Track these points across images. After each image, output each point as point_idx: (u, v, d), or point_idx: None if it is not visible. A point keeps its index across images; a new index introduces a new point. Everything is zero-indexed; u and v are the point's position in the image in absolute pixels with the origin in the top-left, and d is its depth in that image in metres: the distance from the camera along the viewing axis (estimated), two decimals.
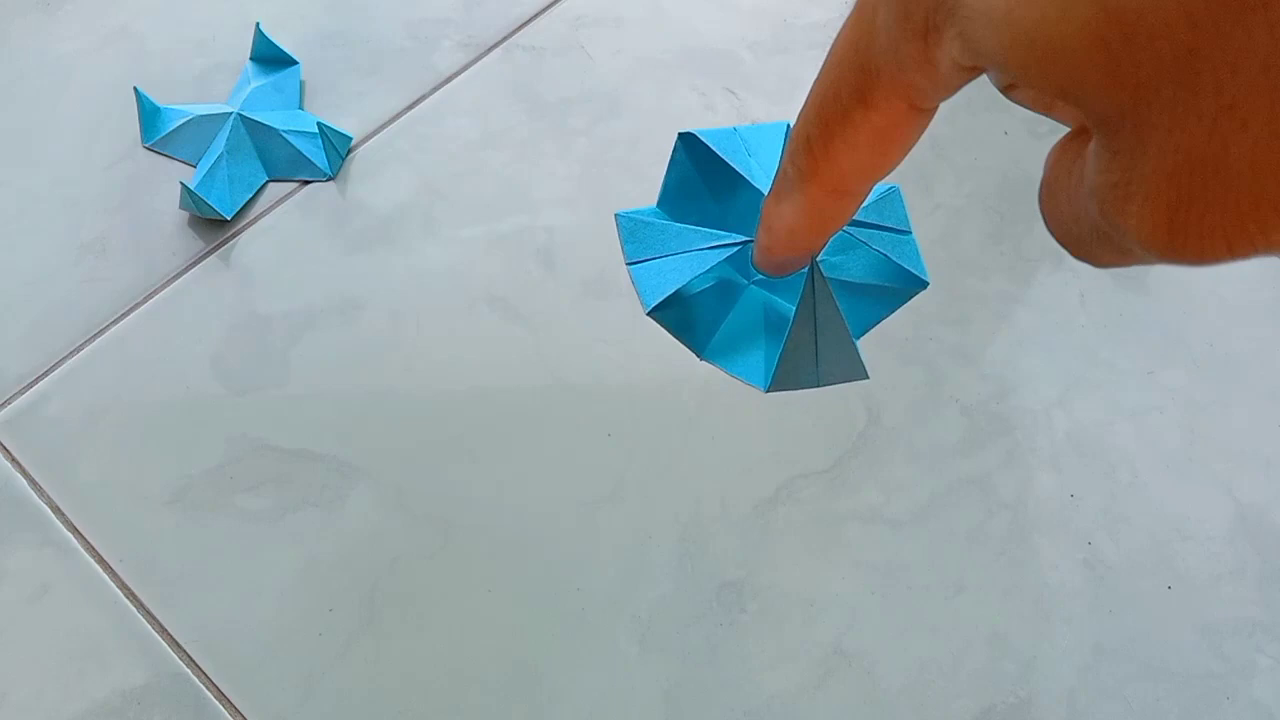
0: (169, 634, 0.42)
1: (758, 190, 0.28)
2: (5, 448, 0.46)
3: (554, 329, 0.49)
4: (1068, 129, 0.19)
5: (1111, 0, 0.14)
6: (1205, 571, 0.44)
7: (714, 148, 0.29)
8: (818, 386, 0.29)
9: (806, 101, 0.21)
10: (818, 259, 0.26)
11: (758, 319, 0.29)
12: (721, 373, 0.28)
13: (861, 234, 0.29)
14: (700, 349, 0.29)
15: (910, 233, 0.30)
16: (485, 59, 0.57)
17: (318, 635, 0.42)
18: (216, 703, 0.41)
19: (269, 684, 0.41)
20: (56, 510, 0.44)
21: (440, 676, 0.41)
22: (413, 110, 0.55)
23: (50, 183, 0.52)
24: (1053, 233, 0.18)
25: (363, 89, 0.55)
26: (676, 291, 0.28)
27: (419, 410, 0.47)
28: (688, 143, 0.30)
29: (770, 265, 0.26)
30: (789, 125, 0.28)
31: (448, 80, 0.56)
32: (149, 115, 0.53)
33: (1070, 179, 0.17)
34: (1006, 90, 0.21)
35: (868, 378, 0.28)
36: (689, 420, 0.46)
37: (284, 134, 0.52)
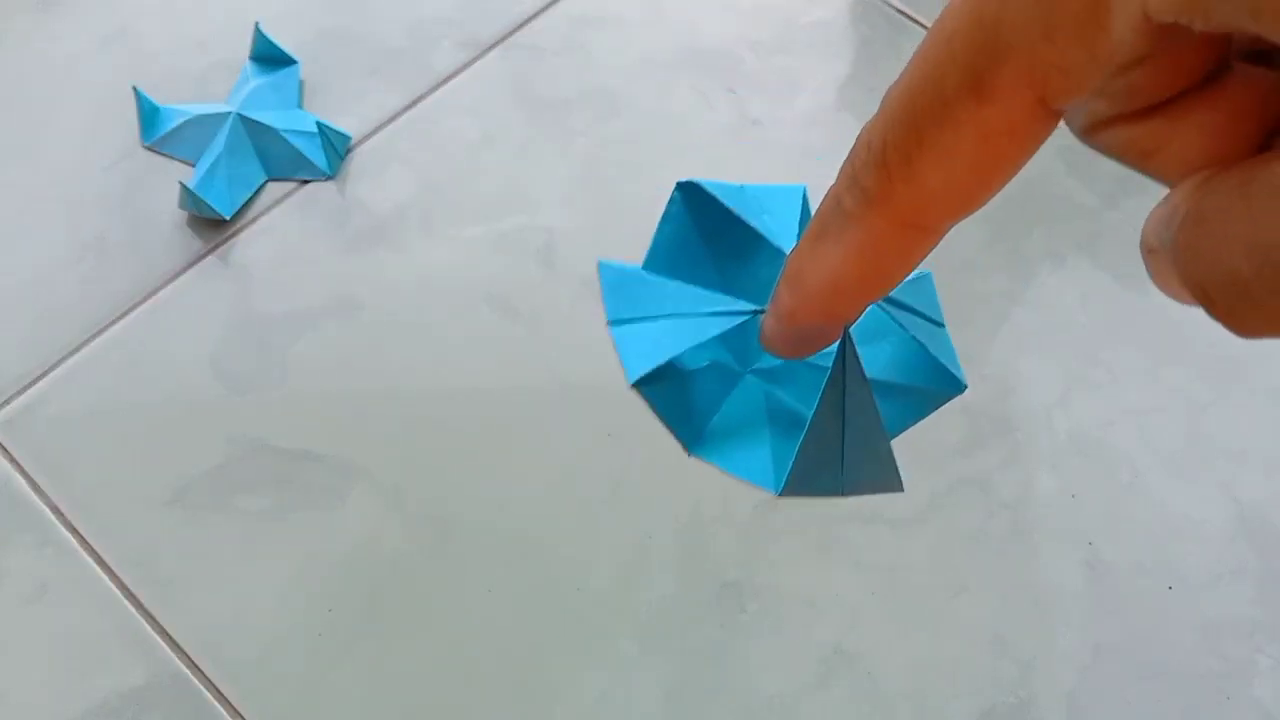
0: (168, 634, 0.42)
1: (775, 250, 0.22)
2: (4, 448, 0.46)
3: (554, 329, 0.49)
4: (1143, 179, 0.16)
5: None
6: (1206, 571, 0.44)
7: (722, 200, 0.23)
8: (841, 494, 0.22)
9: (887, 98, 0.16)
10: (849, 340, 0.20)
11: (758, 411, 0.24)
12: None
13: (897, 314, 0.23)
14: (690, 441, 0.23)
15: (944, 325, 0.24)
16: (485, 58, 0.57)
17: (318, 635, 0.42)
18: (216, 703, 0.41)
19: (269, 684, 0.41)
20: (56, 510, 0.44)
21: (440, 676, 0.41)
22: (412, 110, 0.55)
23: (49, 182, 0.52)
24: (1193, 283, 0.14)
25: (362, 88, 0.55)
26: (669, 363, 0.23)
27: (419, 410, 0.47)
28: (688, 194, 0.24)
29: (786, 341, 0.20)
30: (805, 189, 0.23)
31: (447, 80, 0.56)
32: (148, 115, 0.53)
33: (1248, 201, 0.13)
34: (1121, 120, 0.16)
35: (903, 490, 0.22)
36: None
37: (283, 133, 0.52)
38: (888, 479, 0.22)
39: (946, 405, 0.47)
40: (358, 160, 0.53)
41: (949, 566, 0.44)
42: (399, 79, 0.56)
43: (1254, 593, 0.44)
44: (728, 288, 0.23)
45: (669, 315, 0.23)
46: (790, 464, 0.21)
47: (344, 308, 0.49)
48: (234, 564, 0.43)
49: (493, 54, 0.57)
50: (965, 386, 0.23)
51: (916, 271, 0.21)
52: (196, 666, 0.41)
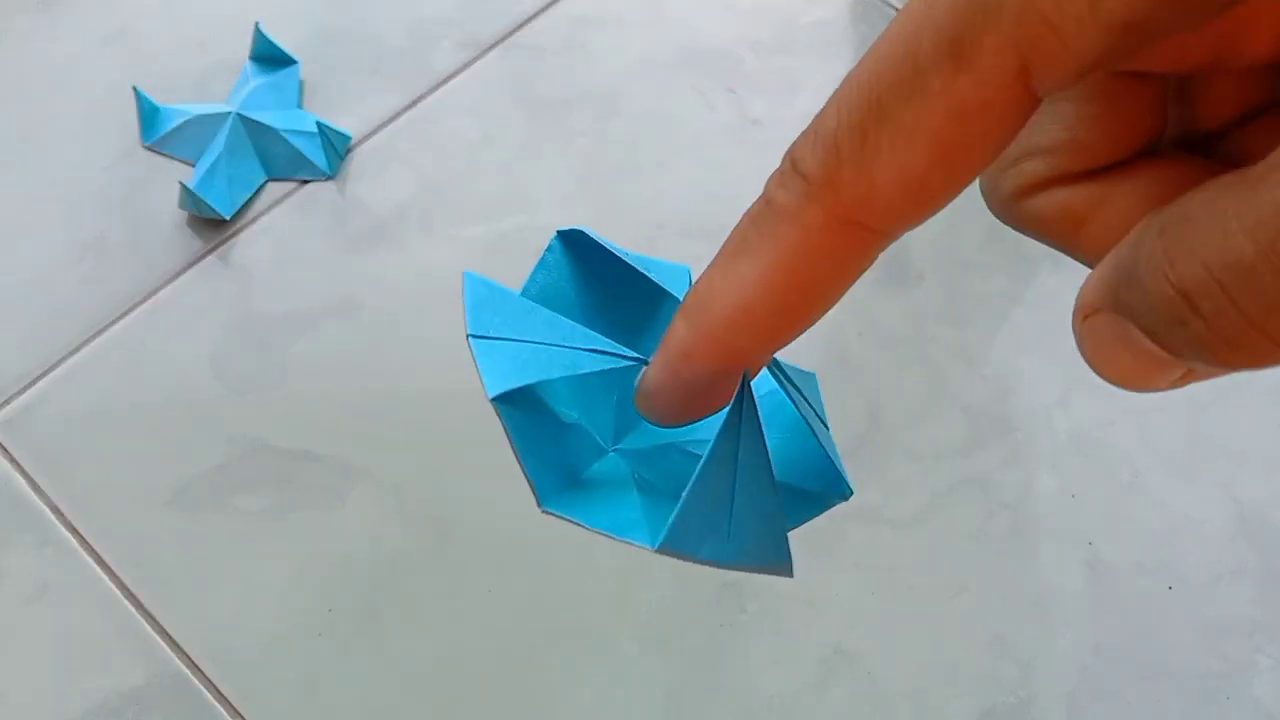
0: (168, 634, 0.42)
1: (672, 299, 0.19)
2: (4, 448, 0.46)
3: None
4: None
5: None
6: (1205, 571, 0.44)
7: (610, 249, 0.20)
8: (720, 565, 0.18)
9: (846, 78, 0.14)
10: (748, 386, 0.17)
11: (626, 482, 0.20)
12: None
13: (794, 395, 0.19)
14: (545, 494, 0.19)
15: (829, 428, 0.20)
16: (485, 58, 0.57)
17: (317, 635, 0.42)
18: (215, 703, 0.41)
19: (268, 684, 0.41)
20: (56, 510, 0.44)
21: (440, 677, 0.41)
22: (412, 110, 0.55)
23: (49, 182, 0.52)
24: (1174, 295, 0.12)
25: (362, 88, 0.55)
26: (535, 395, 0.20)
27: (419, 410, 0.47)
28: (569, 242, 0.21)
29: (671, 395, 0.17)
30: (690, 269, 0.20)
31: (447, 79, 0.56)
32: (148, 115, 0.53)
33: (1247, 184, 0.12)
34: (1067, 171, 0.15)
35: (792, 575, 0.19)
36: None
37: (283, 133, 0.52)
38: (778, 559, 0.19)
39: (947, 406, 0.47)
40: (358, 160, 0.53)
41: (949, 566, 0.44)
42: (399, 79, 0.56)
43: (1254, 593, 0.44)
44: (609, 333, 0.20)
45: (540, 343, 0.20)
46: (671, 519, 0.17)
47: (344, 308, 0.49)
48: (234, 564, 0.43)
49: (493, 54, 0.57)
50: (852, 492, 0.19)
51: (802, 370, 0.20)
52: (196, 666, 0.41)
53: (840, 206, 0.14)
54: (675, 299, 0.19)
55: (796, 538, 0.44)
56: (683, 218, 0.52)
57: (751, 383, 0.17)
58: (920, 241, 0.51)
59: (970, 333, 0.49)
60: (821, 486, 0.20)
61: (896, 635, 0.43)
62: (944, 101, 0.13)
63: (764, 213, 0.15)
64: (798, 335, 0.15)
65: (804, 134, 0.14)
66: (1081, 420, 0.47)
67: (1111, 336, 0.14)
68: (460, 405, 0.47)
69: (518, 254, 0.51)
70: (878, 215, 0.14)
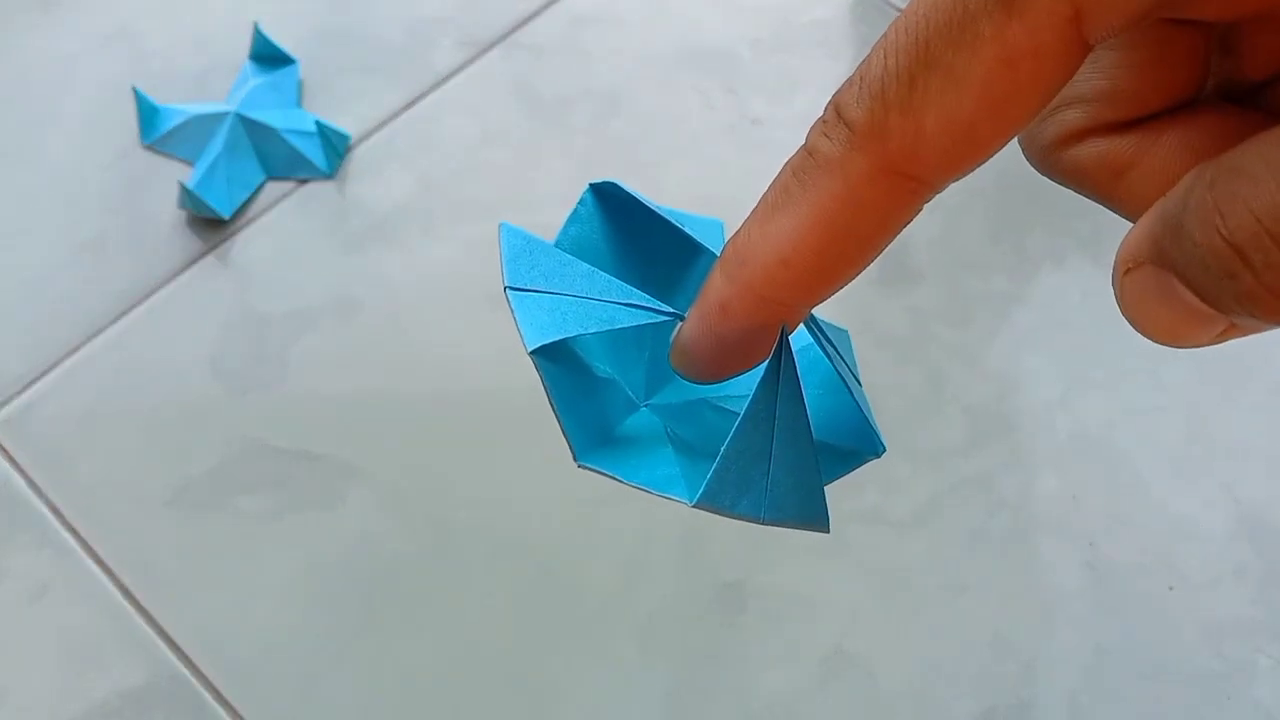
0: (168, 635, 0.42)
1: (709, 254, 0.19)
2: (4, 448, 0.45)
3: None
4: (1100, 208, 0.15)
5: None
6: (1206, 572, 0.44)
7: (644, 201, 0.20)
8: (760, 521, 0.18)
9: (892, 24, 0.14)
10: (786, 342, 0.17)
11: (660, 438, 0.20)
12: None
13: (832, 355, 0.19)
14: (582, 448, 0.19)
15: (862, 385, 0.21)
16: (484, 58, 0.57)
17: (318, 635, 0.42)
18: (215, 704, 0.41)
19: (268, 684, 0.41)
20: (55, 511, 0.44)
21: (440, 677, 0.41)
22: (412, 109, 0.55)
23: (48, 182, 0.52)
24: (1224, 244, 0.12)
25: (361, 88, 0.55)
26: (572, 349, 0.19)
27: (419, 410, 0.47)
28: (602, 195, 0.20)
29: (708, 349, 0.16)
30: (724, 224, 0.20)
31: (447, 79, 0.56)
32: (147, 114, 0.53)
33: None
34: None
35: (829, 530, 0.19)
36: None
37: (282, 133, 0.52)
38: (815, 515, 0.18)
39: (948, 406, 0.47)
40: (357, 160, 0.53)
41: (949, 566, 0.44)
42: (398, 78, 0.56)
43: (1254, 593, 0.44)
44: (643, 286, 0.20)
45: (577, 296, 0.19)
46: (709, 475, 0.17)
47: (343, 307, 0.49)
48: (234, 564, 0.43)
49: (492, 53, 0.57)
50: (884, 449, 0.20)
51: (836, 326, 0.20)
52: (196, 667, 0.41)
53: (886, 156, 0.14)
54: (711, 253, 0.18)
55: (799, 536, 0.44)
56: None
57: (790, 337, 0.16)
58: (920, 241, 0.51)
59: (970, 333, 0.49)
60: (855, 444, 0.20)
61: (897, 635, 0.43)
62: (995, 48, 0.13)
63: (806, 163, 0.14)
64: (839, 289, 0.15)
65: (848, 81, 0.14)
66: (1082, 420, 0.47)
67: (1154, 291, 0.13)
68: (460, 405, 0.47)
69: None
70: (925, 165, 0.14)
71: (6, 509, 0.44)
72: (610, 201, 0.20)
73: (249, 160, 0.52)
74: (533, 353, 0.18)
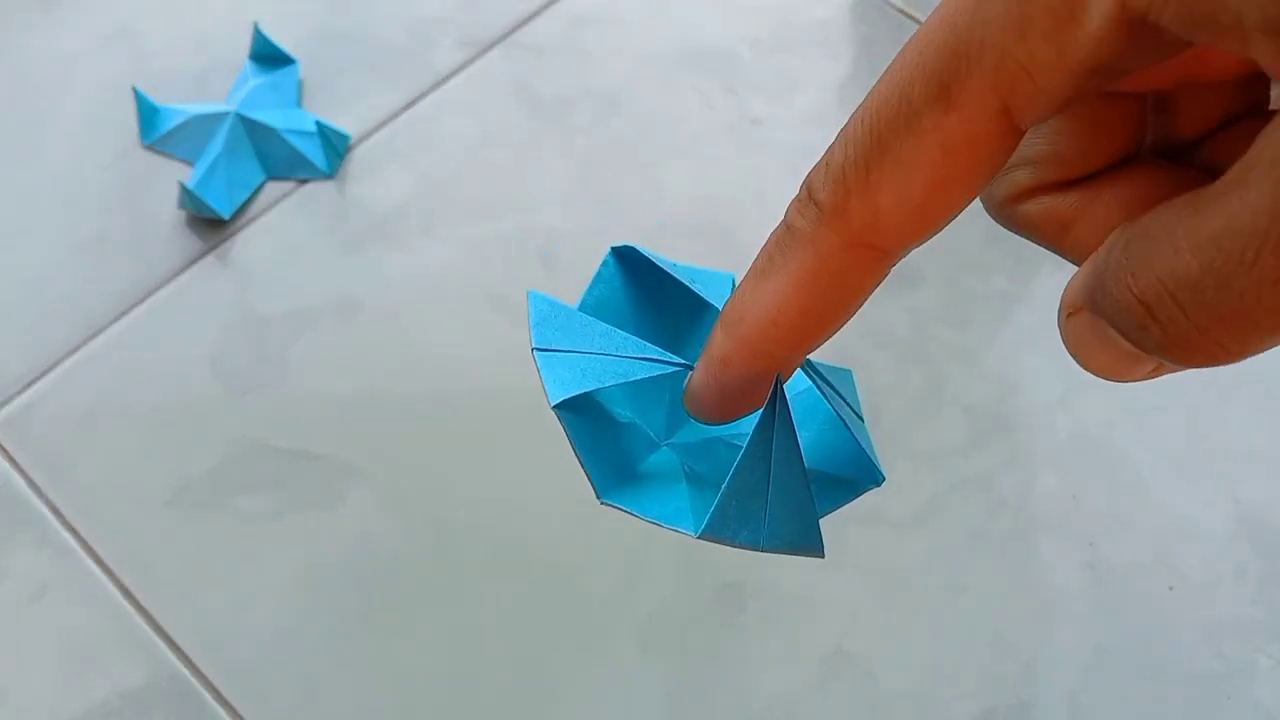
0: (168, 634, 0.42)
1: (715, 311, 0.21)
2: (4, 448, 0.45)
3: None
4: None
5: None
6: (1206, 572, 0.44)
7: (658, 263, 0.22)
8: (758, 548, 0.21)
9: (850, 118, 0.16)
10: (780, 388, 0.19)
11: (676, 474, 0.23)
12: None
13: (827, 393, 0.22)
14: (605, 487, 0.23)
15: (864, 420, 0.23)
16: (484, 58, 0.57)
17: (318, 635, 0.42)
18: (215, 703, 0.41)
19: (268, 684, 0.41)
20: (55, 510, 0.44)
21: (440, 676, 0.41)
22: (412, 109, 0.55)
23: (48, 182, 0.52)
24: (1134, 302, 0.14)
25: (361, 88, 0.55)
26: (593, 400, 0.22)
27: (419, 410, 0.47)
28: (622, 257, 0.24)
29: (714, 396, 0.19)
30: (735, 276, 0.22)
31: (447, 79, 0.56)
32: (147, 114, 0.53)
33: (1195, 208, 0.13)
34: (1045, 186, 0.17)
35: (823, 556, 0.22)
36: None
37: (282, 133, 0.52)
38: (810, 542, 0.22)
39: (948, 406, 0.47)
40: (357, 160, 0.53)
41: (949, 566, 0.44)
42: (398, 78, 0.56)
43: (1254, 593, 0.44)
44: (659, 340, 0.23)
45: (597, 353, 0.23)
46: (711, 509, 0.20)
47: (343, 308, 0.49)
48: (234, 564, 0.43)
49: (493, 53, 0.57)
50: (884, 479, 0.23)
51: (838, 367, 0.24)
52: (196, 666, 0.41)
53: (850, 232, 0.16)
54: (716, 309, 0.21)
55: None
56: (683, 217, 0.52)
57: (786, 383, 0.19)
58: None
59: (970, 333, 0.49)
60: (855, 474, 0.23)
61: (897, 635, 0.43)
62: (935, 138, 0.15)
63: (785, 236, 0.17)
64: (822, 342, 0.18)
65: (818, 164, 0.16)
66: (1082, 420, 0.47)
67: (1090, 334, 0.16)
68: (460, 405, 0.47)
69: (518, 253, 0.51)
70: (884, 238, 0.16)
71: (6, 509, 0.44)
72: (629, 263, 0.23)
73: (249, 160, 0.52)
74: (555, 407, 0.21)
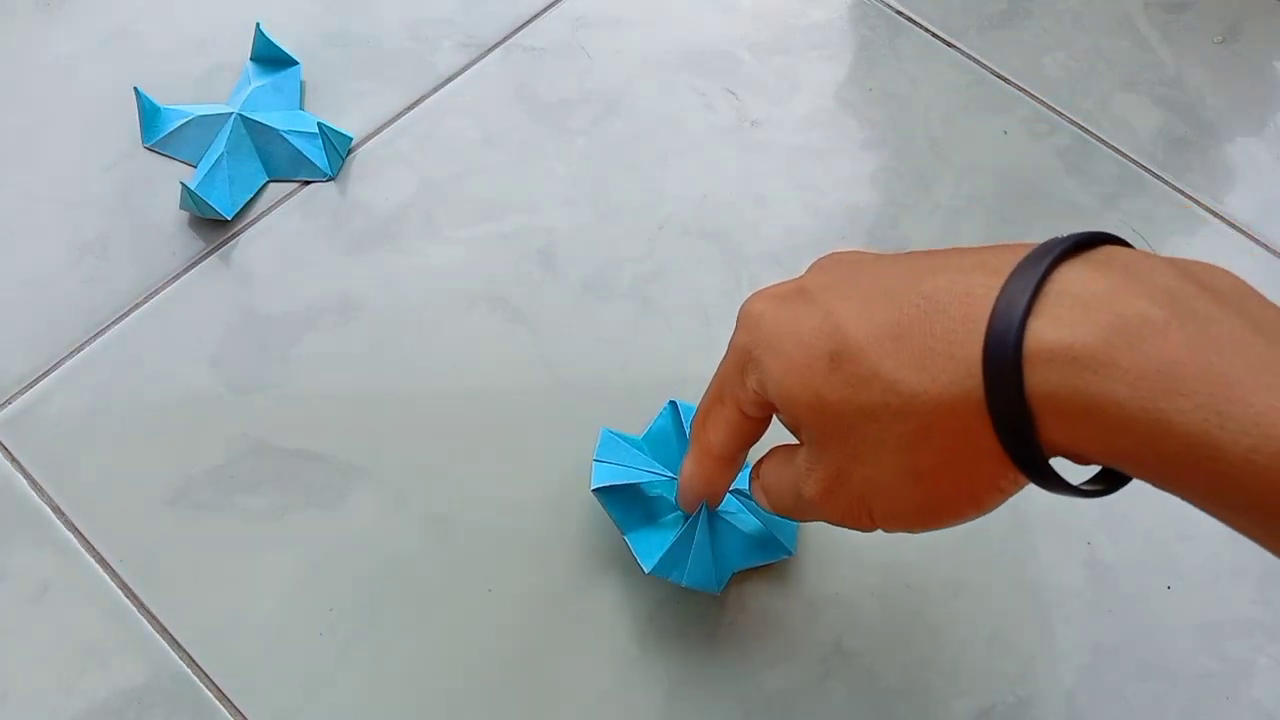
0: (169, 634, 0.42)
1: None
2: (5, 448, 0.46)
3: (554, 329, 0.49)
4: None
5: (820, 398, 0.29)
6: (1205, 571, 0.44)
7: (682, 414, 0.43)
8: (681, 584, 0.41)
9: (710, 383, 0.35)
10: (704, 508, 0.40)
11: (676, 523, 0.41)
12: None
13: (749, 503, 0.42)
14: (644, 559, 0.40)
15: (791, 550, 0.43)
16: (485, 59, 0.57)
17: (318, 635, 0.42)
18: (217, 702, 0.41)
19: (269, 684, 0.41)
20: (56, 510, 0.44)
21: (440, 676, 0.41)
22: (413, 110, 0.55)
23: (50, 183, 0.52)
24: (763, 499, 0.35)
25: (363, 89, 0.56)
26: (627, 485, 0.41)
27: (419, 410, 0.47)
28: (674, 408, 0.43)
29: (686, 500, 0.39)
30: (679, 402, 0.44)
31: (448, 80, 0.56)
32: (149, 115, 0.53)
33: (784, 466, 0.33)
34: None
35: (717, 593, 0.41)
36: None
37: (284, 134, 0.52)
38: (710, 584, 0.41)
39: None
40: (359, 161, 0.53)
41: (948, 565, 0.44)
42: (400, 80, 0.56)
43: (1254, 593, 0.44)
44: (667, 461, 0.43)
45: (628, 465, 0.41)
46: (657, 558, 0.41)
47: (344, 308, 0.49)
48: (234, 564, 0.43)
49: (493, 55, 0.57)
50: (793, 553, 0.43)
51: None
52: (197, 666, 0.41)
53: (702, 447, 0.36)
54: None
55: (803, 539, 0.45)
56: (683, 218, 0.52)
57: (720, 502, 0.41)
58: (920, 243, 0.51)
59: None
60: (773, 549, 0.43)
61: (896, 634, 0.43)
62: (722, 414, 0.34)
63: (692, 438, 0.38)
64: (721, 490, 0.39)
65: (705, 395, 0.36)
66: None
67: (759, 495, 0.36)
68: (461, 405, 0.47)
69: (518, 254, 0.51)
70: (716, 452, 0.36)
71: (8, 509, 0.44)
72: (676, 410, 0.43)
73: (251, 161, 0.52)
74: (594, 490, 0.41)
